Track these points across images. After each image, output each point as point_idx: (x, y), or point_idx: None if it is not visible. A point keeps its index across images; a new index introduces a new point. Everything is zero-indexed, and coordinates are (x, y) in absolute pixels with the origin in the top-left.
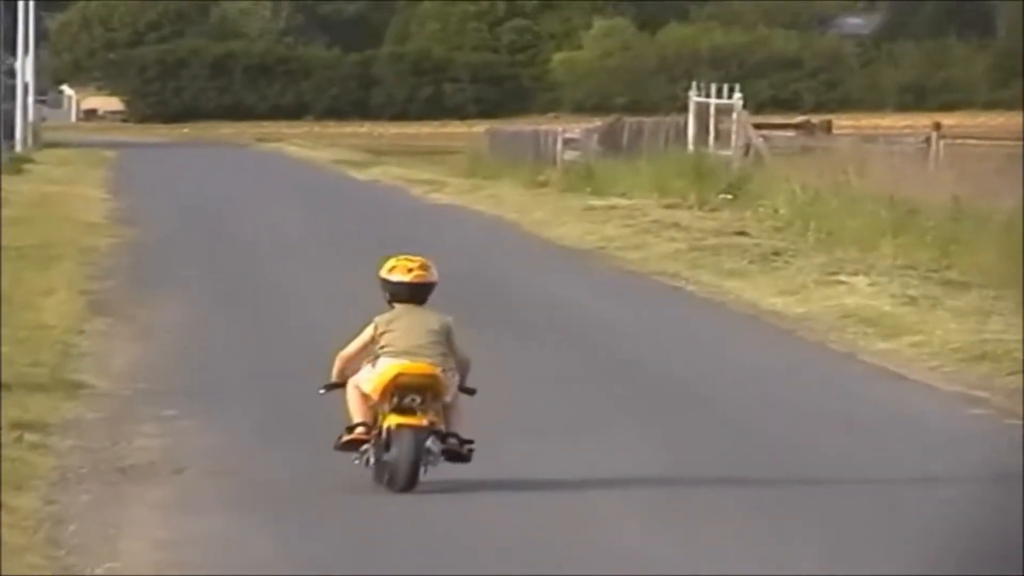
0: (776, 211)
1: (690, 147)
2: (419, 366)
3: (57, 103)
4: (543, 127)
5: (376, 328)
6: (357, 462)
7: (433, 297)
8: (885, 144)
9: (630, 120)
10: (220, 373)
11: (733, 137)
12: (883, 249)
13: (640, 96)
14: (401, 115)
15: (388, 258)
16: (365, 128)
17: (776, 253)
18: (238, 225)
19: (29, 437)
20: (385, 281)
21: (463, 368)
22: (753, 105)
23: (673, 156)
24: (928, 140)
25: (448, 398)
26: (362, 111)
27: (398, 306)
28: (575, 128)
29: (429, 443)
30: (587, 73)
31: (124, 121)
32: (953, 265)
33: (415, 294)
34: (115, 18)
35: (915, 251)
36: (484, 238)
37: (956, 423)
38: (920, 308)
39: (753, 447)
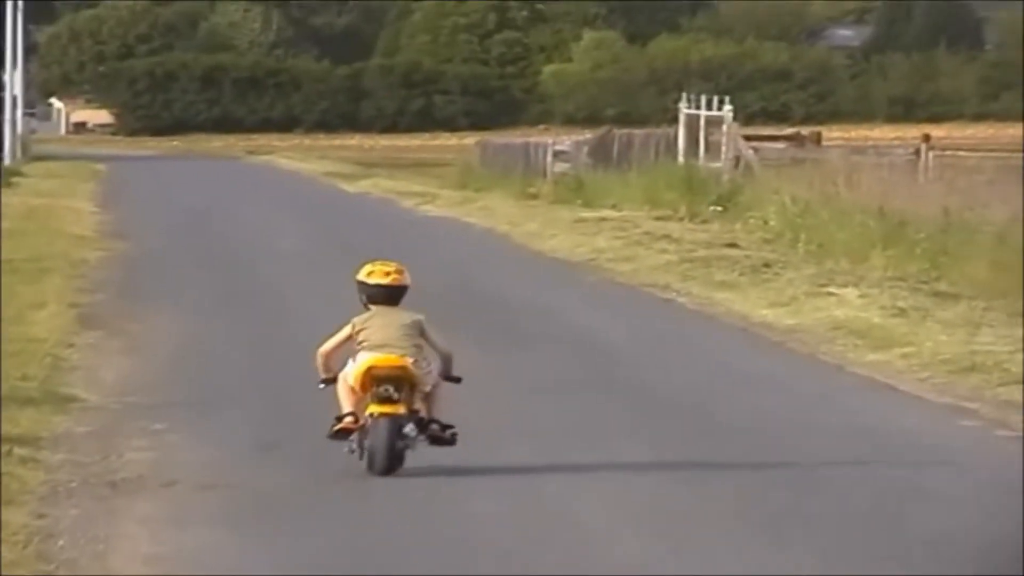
0: (766, 223)
1: (680, 159)
2: (390, 358)
3: (46, 116)
4: (533, 139)
5: (354, 327)
6: (350, 451)
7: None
8: (875, 156)
9: (620, 132)
10: (210, 386)
11: (723, 149)
12: (873, 261)
13: (630, 108)
14: (391, 127)
15: (364, 263)
16: (355, 140)
17: (766, 265)
18: (229, 238)
19: (19, 451)
20: (363, 284)
21: (446, 358)
22: (743, 117)
23: (663, 168)
24: (918, 152)
25: (427, 387)
26: (352, 123)
27: (373, 307)
28: (565, 140)
29: (407, 429)
30: (577, 85)
31: (113, 134)
32: (943, 277)
33: (391, 296)
34: (104, 31)
35: (905, 263)
36: (475, 250)
37: (946, 434)
38: (910, 320)
39: (743, 457)
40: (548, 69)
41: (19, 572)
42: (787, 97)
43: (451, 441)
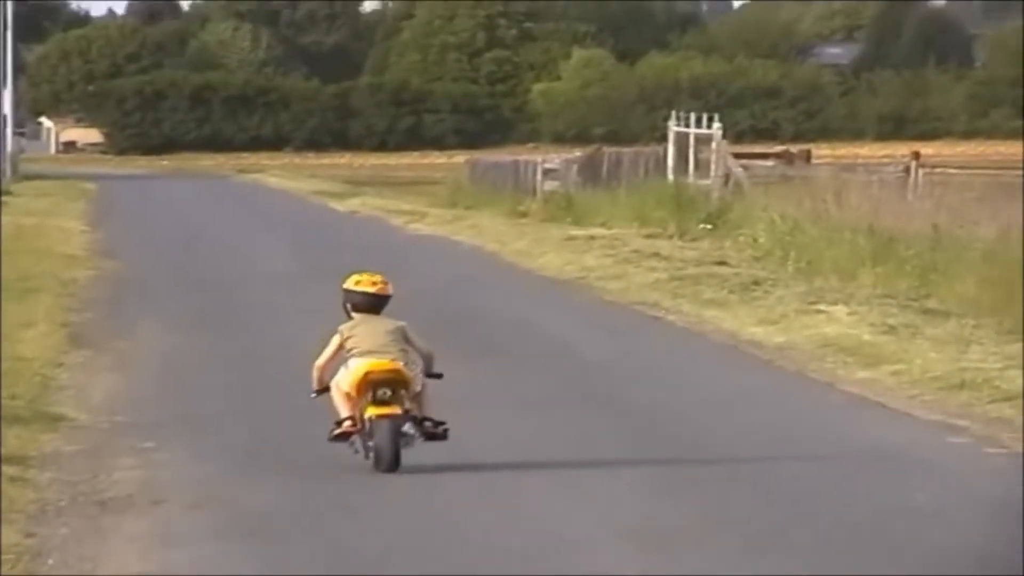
0: (756, 240)
1: (670, 177)
2: (384, 363)
3: (36, 135)
4: (523, 157)
5: (342, 335)
6: (354, 452)
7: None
8: (864, 173)
9: (610, 150)
10: (199, 405)
11: (713, 167)
12: (863, 278)
13: (619, 126)
14: (381, 146)
15: (352, 273)
16: (345, 159)
17: (756, 282)
18: (218, 256)
19: (8, 470)
20: (350, 292)
21: (428, 358)
22: (732, 135)
23: (653, 186)
24: (907, 169)
25: (417, 387)
26: (342, 142)
27: (356, 315)
28: (555, 158)
29: (406, 427)
30: (567, 103)
31: (103, 153)
32: (932, 294)
33: (375, 304)
34: (93, 50)
35: (895, 280)
36: (464, 268)
37: (936, 451)
38: (900, 337)
39: (731, 475)
40: (537, 88)
41: None
42: (776, 115)
43: (444, 436)
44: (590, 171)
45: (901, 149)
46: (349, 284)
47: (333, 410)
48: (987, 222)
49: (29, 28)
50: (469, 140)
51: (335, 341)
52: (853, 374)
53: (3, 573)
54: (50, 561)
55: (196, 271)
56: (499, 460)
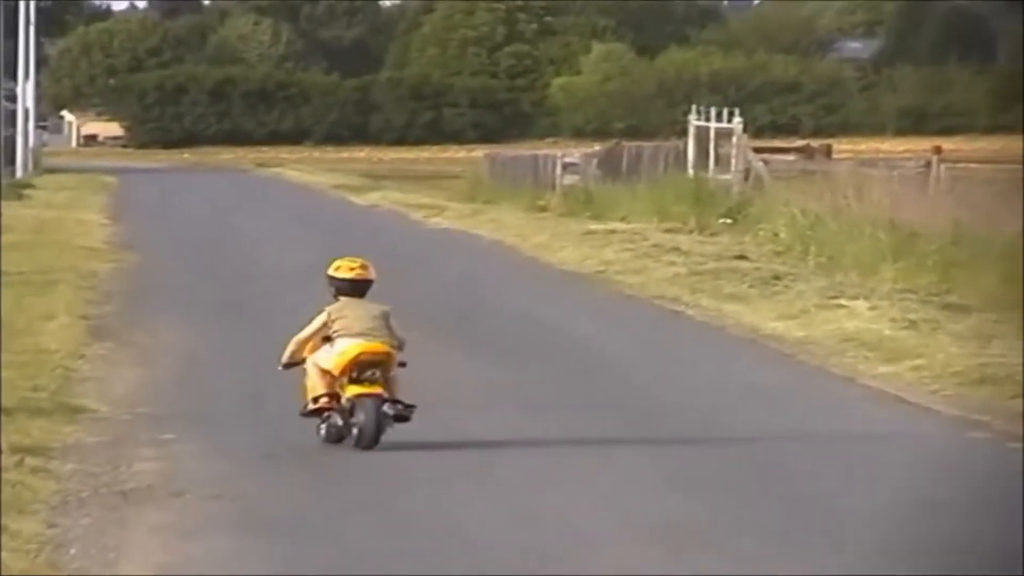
0: (776, 235)
1: (690, 171)
2: (376, 345)
3: (58, 129)
4: (542, 152)
5: (329, 315)
6: (319, 433)
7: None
8: (885, 168)
9: (629, 144)
10: (219, 397)
11: (733, 161)
12: (883, 273)
13: (639, 121)
14: (400, 140)
15: (335, 259)
16: (364, 153)
17: (776, 277)
18: (238, 250)
19: (30, 461)
20: (332, 278)
21: (400, 345)
22: (752, 129)
23: (673, 180)
24: (928, 164)
25: (392, 371)
26: (361, 136)
27: (342, 298)
28: (574, 153)
29: (386, 408)
30: (586, 98)
31: (124, 147)
32: (953, 289)
33: (356, 288)
34: (115, 44)
35: (915, 275)
36: (484, 262)
37: (957, 446)
38: (921, 332)
39: (753, 469)
40: (557, 82)
41: None
42: (797, 110)
43: (409, 418)
44: (610, 165)
45: (922, 144)
46: (331, 270)
47: (303, 386)
48: (1008, 217)
49: (51, 22)
50: (488, 134)
51: (319, 320)
52: (874, 369)
53: (20, 565)
54: (72, 551)
55: (216, 264)
56: (516, 456)
